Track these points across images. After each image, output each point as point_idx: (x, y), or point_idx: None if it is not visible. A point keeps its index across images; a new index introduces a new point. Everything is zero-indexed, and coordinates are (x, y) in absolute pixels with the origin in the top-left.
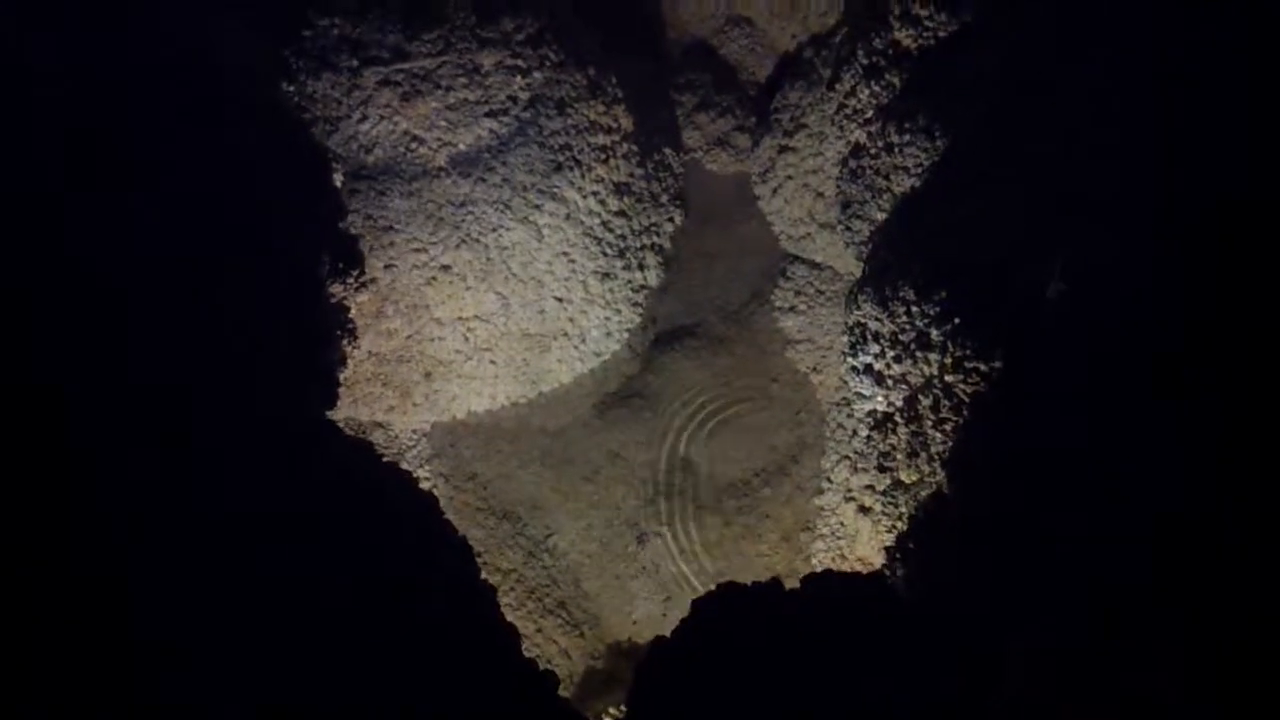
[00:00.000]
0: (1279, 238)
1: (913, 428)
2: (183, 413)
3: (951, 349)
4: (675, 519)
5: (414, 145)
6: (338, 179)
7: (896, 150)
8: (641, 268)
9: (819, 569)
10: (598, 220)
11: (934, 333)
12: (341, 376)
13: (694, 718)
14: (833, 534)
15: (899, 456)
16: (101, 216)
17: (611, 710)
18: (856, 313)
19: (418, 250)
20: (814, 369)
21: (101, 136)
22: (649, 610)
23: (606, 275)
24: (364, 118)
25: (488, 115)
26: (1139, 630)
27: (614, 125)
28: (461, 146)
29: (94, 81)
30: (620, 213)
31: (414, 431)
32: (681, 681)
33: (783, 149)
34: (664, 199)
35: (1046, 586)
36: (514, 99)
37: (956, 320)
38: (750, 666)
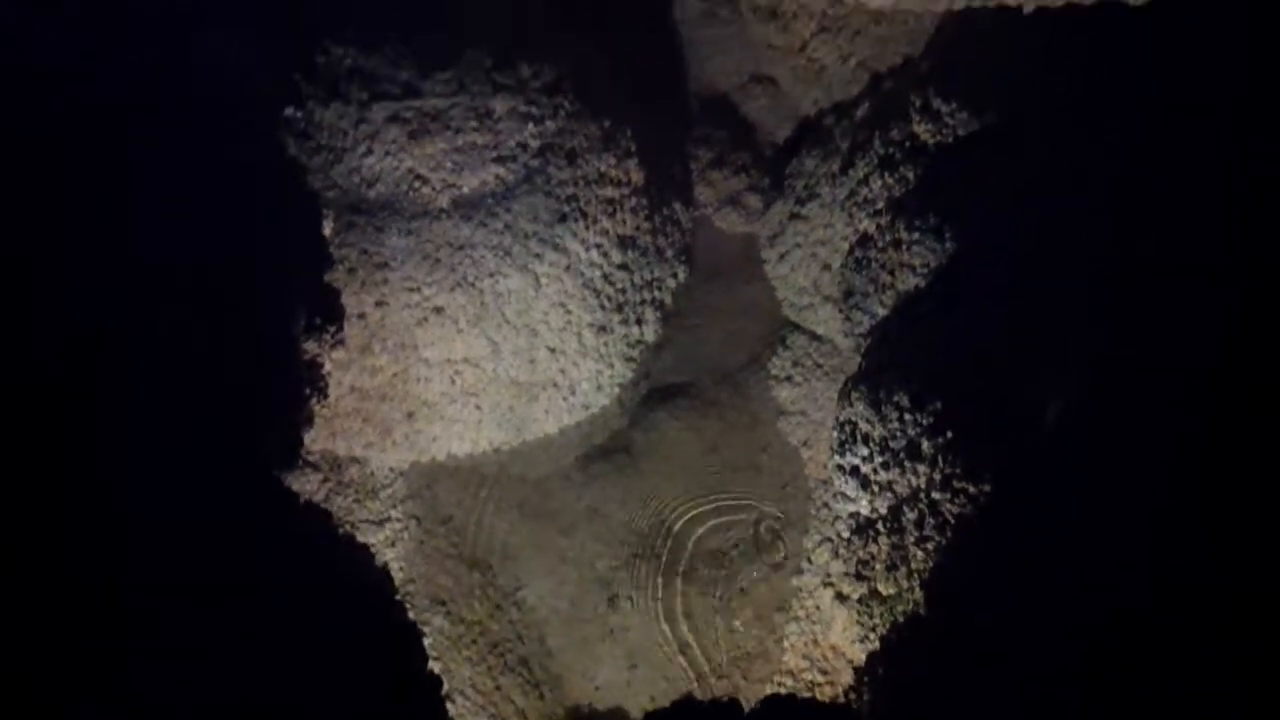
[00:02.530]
0: None
1: (894, 539)
2: None
3: (941, 464)
4: (649, 584)
5: (417, 184)
6: (329, 222)
7: (904, 247)
8: (639, 323)
9: (790, 651)
10: (599, 273)
11: (925, 444)
12: (320, 409)
13: None
14: (808, 617)
15: (878, 567)
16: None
17: None
18: (848, 410)
19: (411, 290)
20: (805, 443)
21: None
22: (613, 676)
23: (603, 329)
24: (369, 151)
25: (495, 160)
26: None
27: (624, 179)
28: (466, 190)
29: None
30: (623, 266)
31: (390, 470)
32: None
33: (793, 216)
34: (669, 254)
35: None
36: (524, 146)
37: (949, 434)
38: None
